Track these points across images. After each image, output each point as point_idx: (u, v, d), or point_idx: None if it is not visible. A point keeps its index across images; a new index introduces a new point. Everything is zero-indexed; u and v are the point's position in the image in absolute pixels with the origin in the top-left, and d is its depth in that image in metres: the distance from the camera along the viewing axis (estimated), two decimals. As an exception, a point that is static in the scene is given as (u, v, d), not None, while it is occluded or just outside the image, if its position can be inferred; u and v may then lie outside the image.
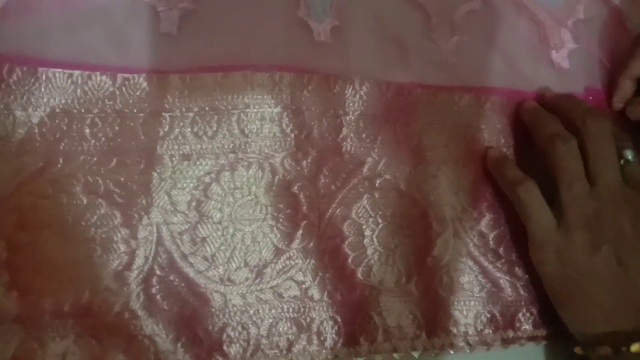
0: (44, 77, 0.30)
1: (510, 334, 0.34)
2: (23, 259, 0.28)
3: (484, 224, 0.35)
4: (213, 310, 0.30)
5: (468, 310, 0.33)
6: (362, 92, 0.34)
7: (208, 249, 0.30)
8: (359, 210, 0.33)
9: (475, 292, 0.34)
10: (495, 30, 0.40)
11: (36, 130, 0.29)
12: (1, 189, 0.28)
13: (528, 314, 0.34)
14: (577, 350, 0.33)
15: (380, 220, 0.33)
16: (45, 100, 0.30)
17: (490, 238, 0.35)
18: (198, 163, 0.31)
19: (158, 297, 0.29)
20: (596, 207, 0.33)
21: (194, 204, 0.30)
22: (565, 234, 0.33)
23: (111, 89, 0.31)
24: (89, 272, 0.28)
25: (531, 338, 0.34)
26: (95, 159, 0.30)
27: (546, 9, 0.42)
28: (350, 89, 0.34)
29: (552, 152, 0.34)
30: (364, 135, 0.34)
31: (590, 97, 0.41)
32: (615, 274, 0.32)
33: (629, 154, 0.35)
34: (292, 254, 0.31)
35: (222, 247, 0.30)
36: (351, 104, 0.34)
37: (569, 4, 0.43)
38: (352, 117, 0.34)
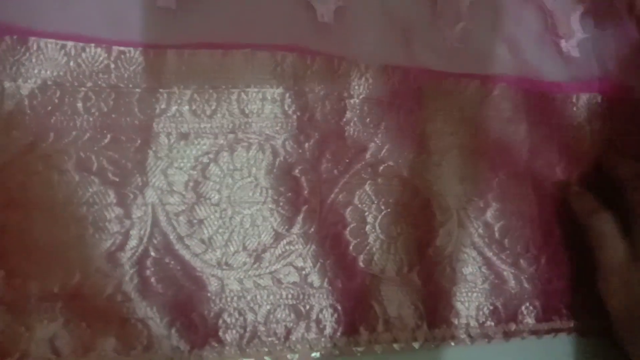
0: (35, 47, 0.28)
1: (513, 327, 0.33)
2: (10, 239, 0.26)
3: (490, 214, 0.34)
4: (209, 295, 0.28)
5: (470, 301, 0.33)
6: (367, 75, 0.33)
7: (205, 231, 0.29)
8: (362, 197, 0.32)
9: (478, 284, 0.33)
10: (502, 18, 0.39)
11: (26, 103, 0.28)
12: (-12, 164, 0.27)
13: (531, 307, 0.34)
14: None
15: (382, 208, 0.32)
16: (36, 71, 0.28)
17: (496, 229, 0.34)
18: (196, 142, 0.30)
19: (152, 279, 0.28)
20: None
21: (191, 184, 0.29)
22: (636, 269, 0.32)
23: (106, 62, 0.29)
24: (80, 253, 0.27)
25: (533, 332, 0.34)
26: (88, 134, 0.28)
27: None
28: (356, 72, 0.33)
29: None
30: (367, 119, 0.33)
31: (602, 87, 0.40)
32: None
33: None
34: (292, 239, 0.30)
35: (220, 230, 0.29)
36: (356, 87, 0.33)
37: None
38: (357, 101, 0.33)
